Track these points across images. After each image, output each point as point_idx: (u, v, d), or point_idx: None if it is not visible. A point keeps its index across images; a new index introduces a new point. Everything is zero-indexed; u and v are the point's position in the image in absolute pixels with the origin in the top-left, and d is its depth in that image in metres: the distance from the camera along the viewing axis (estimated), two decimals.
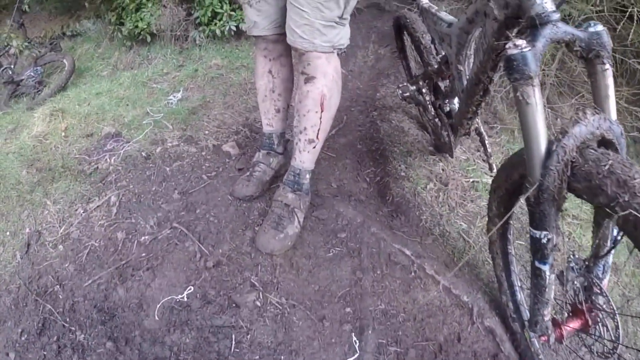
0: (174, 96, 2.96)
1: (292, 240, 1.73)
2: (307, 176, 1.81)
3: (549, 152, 0.98)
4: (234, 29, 3.43)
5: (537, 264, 1.13)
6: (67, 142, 2.66)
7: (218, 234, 1.81)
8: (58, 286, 1.75)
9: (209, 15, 3.44)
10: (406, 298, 1.60)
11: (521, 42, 0.97)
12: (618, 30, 2.28)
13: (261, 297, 1.59)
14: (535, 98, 0.98)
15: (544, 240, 1.08)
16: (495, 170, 1.94)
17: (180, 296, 1.60)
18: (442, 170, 2.24)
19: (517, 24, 1.16)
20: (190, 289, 1.61)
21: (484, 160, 2.35)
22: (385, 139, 2.46)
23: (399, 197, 2.06)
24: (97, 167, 2.31)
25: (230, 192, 2.01)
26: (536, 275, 1.15)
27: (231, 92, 2.97)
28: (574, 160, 0.96)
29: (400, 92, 2.25)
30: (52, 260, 1.86)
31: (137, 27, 3.63)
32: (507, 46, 0.98)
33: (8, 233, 2.06)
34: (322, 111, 1.64)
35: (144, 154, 2.33)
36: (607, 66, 1.01)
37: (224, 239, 1.79)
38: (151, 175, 2.17)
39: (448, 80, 1.99)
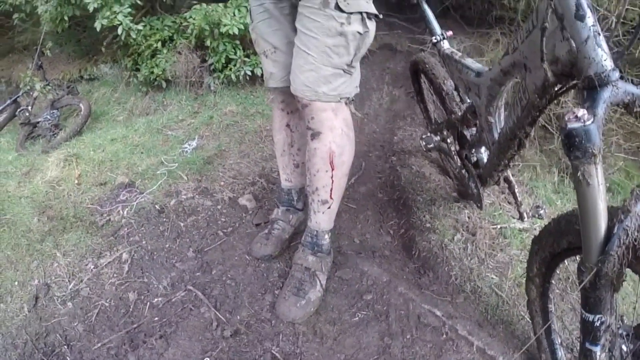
0: (189, 144, 2.88)
1: (315, 306, 1.59)
2: (327, 236, 1.68)
3: (608, 235, 0.87)
4: (249, 74, 3.38)
5: (587, 345, 1.03)
6: (80, 190, 2.57)
7: (235, 298, 1.68)
8: (66, 347, 1.64)
9: (223, 61, 3.40)
10: None
11: (582, 113, 0.84)
12: None
13: None
14: (598, 178, 0.86)
15: (597, 324, 0.99)
16: (526, 220, 1.82)
17: None
18: (468, 218, 2.11)
19: (566, 81, 1.04)
20: None
21: (509, 203, 2.22)
22: (407, 187, 2.35)
23: (426, 252, 1.93)
24: (110, 219, 2.21)
25: (247, 252, 1.88)
26: (586, 356, 1.04)
27: (247, 139, 2.88)
28: (636, 240, 0.84)
29: (424, 143, 2.13)
30: (60, 318, 1.74)
31: (152, 73, 3.60)
32: (566, 117, 0.84)
33: (16, 283, 1.96)
34: (332, 170, 1.50)
35: (157, 206, 2.23)
36: None
37: (242, 304, 1.65)
38: (165, 231, 2.06)
39: (474, 129, 1.87)
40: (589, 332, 1.01)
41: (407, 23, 4.36)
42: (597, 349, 1.01)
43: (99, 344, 1.60)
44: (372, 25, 1.37)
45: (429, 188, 2.33)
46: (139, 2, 3.52)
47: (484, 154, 1.84)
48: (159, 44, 3.62)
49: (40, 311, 1.80)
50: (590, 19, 0.87)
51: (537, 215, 1.73)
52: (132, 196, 2.37)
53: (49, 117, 3.76)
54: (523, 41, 1.12)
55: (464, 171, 1.99)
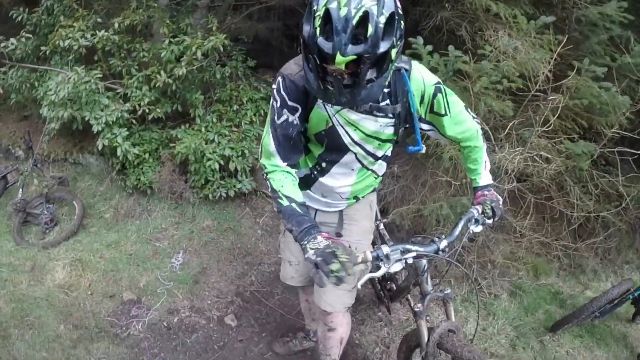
0: (176, 259, 4.10)
1: None
2: None
3: (428, 339, 2.21)
4: (224, 195, 4.62)
5: None
6: (93, 299, 3.68)
7: None
8: None
9: (203, 181, 4.60)
10: None
11: (417, 307, 2.21)
12: None
13: None
14: (422, 323, 2.22)
15: None
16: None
17: None
18: (387, 334, 3.44)
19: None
20: None
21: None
22: None
23: None
24: (130, 333, 3.37)
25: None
26: None
27: (222, 257, 4.14)
28: (439, 340, 2.20)
29: None
30: None
31: (139, 180, 4.73)
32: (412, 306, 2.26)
33: None
34: (340, 345, 2.57)
35: (165, 323, 3.42)
36: (451, 305, 2.28)
37: None
38: (177, 346, 3.27)
39: None
40: None
41: None
42: None
43: None
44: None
45: (361, 309, 3.65)
46: (133, 122, 4.70)
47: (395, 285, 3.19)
48: (147, 155, 4.77)
49: None
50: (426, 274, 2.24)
51: None
52: (142, 312, 3.53)
53: (45, 211, 4.70)
54: None
55: (381, 292, 3.31)
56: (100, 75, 4.60)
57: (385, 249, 1.81)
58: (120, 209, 4.83)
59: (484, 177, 2.22)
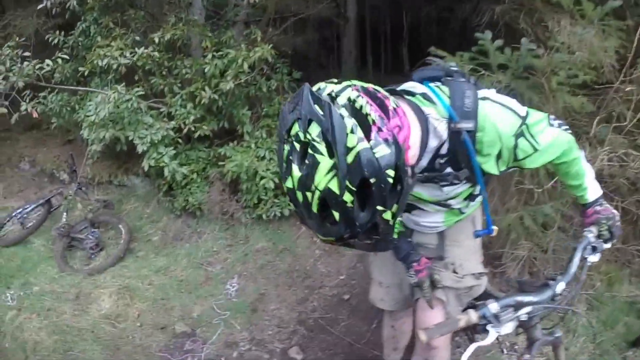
0: (231, 285, 3.80)
1: None
2: None
3: None
4: (279, 214, 4.32)
5: None
6: (143, 332, 3.40)
7: None
8: None
9: (255, 201, 4.33)
10: None
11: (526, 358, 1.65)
12: None
13: None
14: None
15: None
16: None
17: None
18: None
19: None
20: None
21: None
22: None
23: None
24: None
25: None
26: None
27: (280, 282, 3.81)
28: None
29: None
30: None
31: (187, 201, 4.49)
32: None
33: None
34: None
35: (223, 359, 3.09)
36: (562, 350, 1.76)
37: None
38: None
39: None
40: None
41: None
42: None
43: None
44: (483, 279, 1.96)
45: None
46: (179, 141, 4.46)
47: None
48: (195, 175, 4.53)
49: None
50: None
51: None
52: (197, 346, 3.21)
53: (90, 236, 4.47)
54: None
55: None
56: (142, 93, 4.40)
57: (494, 307, 1.39)
58: (168, 232, 4.61)
59: (592, 190, 1.79)
